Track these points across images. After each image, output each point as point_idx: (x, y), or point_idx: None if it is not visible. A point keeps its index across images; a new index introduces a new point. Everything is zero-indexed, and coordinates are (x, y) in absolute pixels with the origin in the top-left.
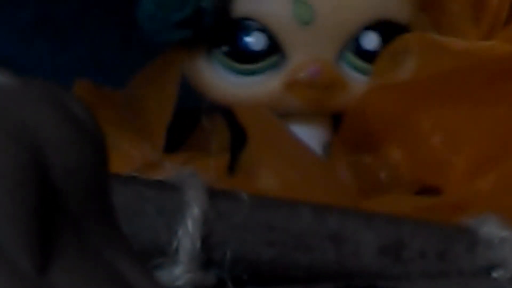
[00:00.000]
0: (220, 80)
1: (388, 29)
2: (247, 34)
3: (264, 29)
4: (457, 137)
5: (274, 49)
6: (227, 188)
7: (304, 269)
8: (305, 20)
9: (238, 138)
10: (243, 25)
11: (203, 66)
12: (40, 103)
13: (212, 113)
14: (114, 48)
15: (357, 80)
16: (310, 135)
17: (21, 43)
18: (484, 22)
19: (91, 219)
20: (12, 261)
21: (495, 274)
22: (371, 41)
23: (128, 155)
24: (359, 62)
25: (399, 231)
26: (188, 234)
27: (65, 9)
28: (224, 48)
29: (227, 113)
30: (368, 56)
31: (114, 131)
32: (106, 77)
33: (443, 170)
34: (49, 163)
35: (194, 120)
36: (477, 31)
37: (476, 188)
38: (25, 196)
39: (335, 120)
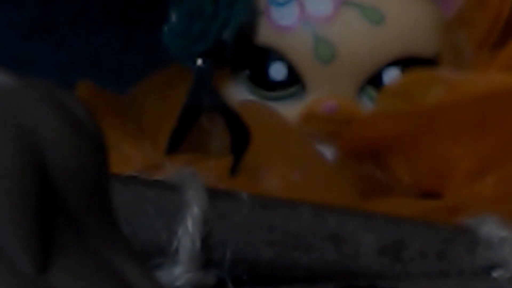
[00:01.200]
0: (243, 99)
1: (412, 64)
2: (269, 63)
3: (285, 61)
4: (457, 142)
5: (294, 80)
6: (227, 188)
7: (304, 269)
8: (326, 59)
9: (240, 139)
10: (266, 54)
11: (230, 84)
12: (40, 103)
13: (213, 114)
14: (113, 47)
15: None
16: (323, 142)
17: (21, 42)
18: (484, 22)
19: (91, 219)
20: (12, 261)
21: (495, 274)
22: (393, 77)
23: (129, 156)
24: None
25: (399, 231)
26: (188, 234)
27: (64, 8)
28: (247, 72)
29: (227, 113)
30: None
31: (114, 131)
32: (106, 76)
33: (444, 176)
34: (49, 163)
35: (194, 121)
36: (477, 30)
37: (476, 192)
38: (25, 196)
39: None
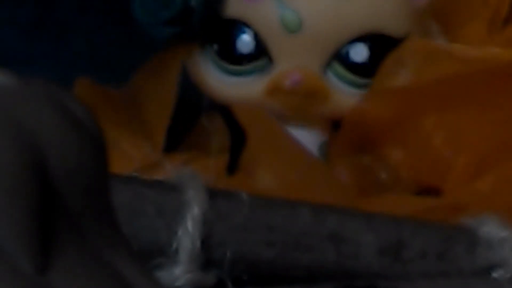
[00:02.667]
0: (211, 77)
1: (379, 42)
2: (236, 36)
3: (252, 33)
4: (456, 138)
5: (261, 53)
6: (227, 188)
7: (304, 270)
8: (292, 29)
9: (238, 138)
10: (233, 27)
11: (198, 61)
12: (40, 103)
13: (212, 113)
14: (114, 45)
15: (343, 91)
16: (306, 136)
17: (21, 41)
18: (484, 19)
19: (91, 219)
20: (12, 262)
21: (495, 274)
22: (360, 53)
23: (128, 155)
24: (347, 74)
25: (399, 231)
26: (188, 234)
27: (65, 6)
28: (215, 47)
29: (226, 112)
30: (356, 68)
31: (114, 130)
32: (106, 73)
33: (442, 171)
34: (48, 163)
35: (193, 120)
36: (477, 27)
37: (475, 189)
38: (24, 197)
39: (334, 121)
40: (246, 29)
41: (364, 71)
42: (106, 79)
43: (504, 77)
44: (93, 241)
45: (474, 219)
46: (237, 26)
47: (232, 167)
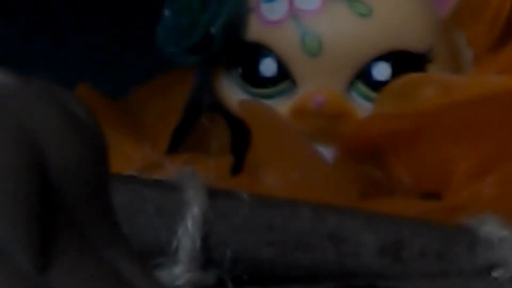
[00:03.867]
0: (237, 98)
1: (402, 59)
2: (259, 60)
3: (275, 56)
4: (457, 143)
5: (284, 76)
6: (227, 188)
7: (304, 269)
8: (313, 52)
9: (240, 139)
10: (256, 50)
11: (225, 84)
12: (40, 102)
13: (213, 113)
14: (113, 47)
15: (367, 109)
16: (323, 143)
17: (21, 42)
18: (485, 20)
19: (91, 218)
20: (12, 261)
21: (495, 274)
22: (382, 72)
23: (128, 155)
24: (370, 92)
25: (399, 231)
26: (188, 234)
27: (64, 8)
28: (240, 70)
29: (228, 113)
30: (379, 87)
31: (114, 131)
32: (106, 75)
33: (443, 174)
34: (49, 163)
35: (194, 120)
36: (478, 28)
37: (476, 192)
38: (25, 196)
39: None
40: (269, 53)
41: None
42: (105, 79)
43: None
44: (93, 240)
45: (474, 219)
46: (259, 50)
47: (237, 168)
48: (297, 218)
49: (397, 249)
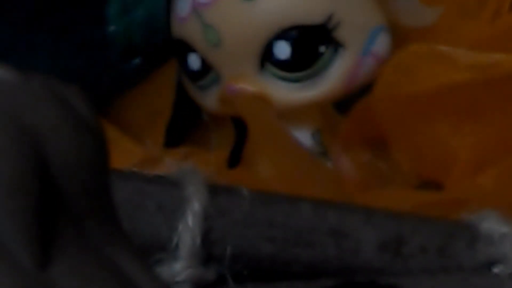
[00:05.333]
0: (194, 93)
1: (299, 34)
2: (186, 56)
3: (195, 50)
4: (459, 133)
5: (208, 68)
6: (227, 183)
7: (304, 265)
8: (214, 42)
9: (239, 132)
10: (181, 48)
11: (184, 79)
12: (41, 98)
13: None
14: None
15: (282, 88)
16: (298, 127)
17: (21, 37)
18: (488, 9)
19: (92, 215)
20: (13, 257)
21: (495, 270)
22: (283, 51)
23: (128, 150)
24: (279, 72)
25: (400, 226)
26: (188, 229)
27: (64, 2)
28: (180, 67)
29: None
30: (285, 65)
31: (114, 127)
32: (107, 68)
33: (444, 165)
34: (49, 159)
35: (194, 115)
36: (481, 15)
37: (477, 184)
38: (25, 193)
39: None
40: (190, 48)
41: (292, 66)
42: (104, 77)
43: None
44: (93, 237)
45: (474, 214)
46: (183, 46)
47: (234, 160)
48: (297, 214)
49: (398, 245)
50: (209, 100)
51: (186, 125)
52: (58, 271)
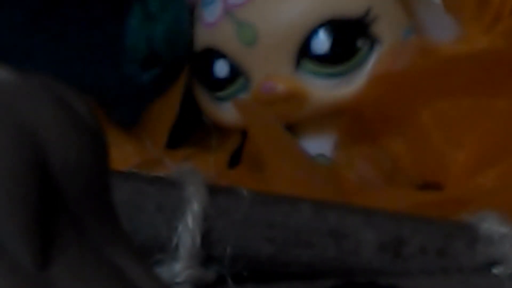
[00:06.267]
0: (208, 105)
1: (337, 28)
2: (212, 64)
3: (224, 57)
4: (458, 133)
5: (237, 73)
6: (227, 184)
7: (304, 266)
8: (249, 41)
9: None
10: (207, 56)
11: (199, 93)
12: (40, 99)
13: None
14: (112, 41)
15: (320, 85)
16: (319, 141)
17: (21, 36)
18: (486, 18)
19: (92, 215)
20: (13, 258)
21: (495, 270)
22: (321, 45)
23: (127, 151)
24: (317, 67)
25: (399, 227)
26: (188, 230)
27: (64, 2)
28: (201, 79)
29: None
30: (323, 59)
31: (114, 128)
32: (107, 70)
33: (444, 165)
34: (49, 159)
35: (195, 117)
36: (479, 24)
37: (477, 184)
38: (25, 194)
39: None
40: (219, 55)
41: (331, 60)
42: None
43: (502, 67)
44: (93, 237)
45: (474, 215)
46: (210, 54)
47: (234, 161)
48: (297, 214)
49: (397, 245)
50: (229, 112)
51: (187, 127)
52: (58, 272)
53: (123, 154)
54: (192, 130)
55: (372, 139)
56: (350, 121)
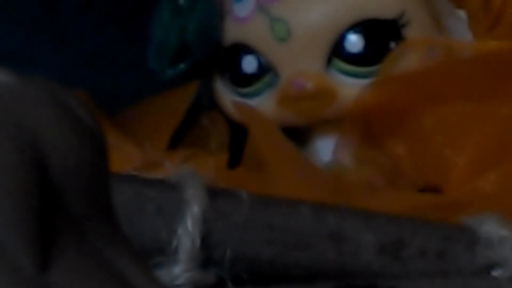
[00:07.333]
0: (229, 101)
1: (372, 28)
2: (240, 59)
3: (253, 52)
4: (459, 136)
5: (266, 69)
6: (227, 187)
7: (304, 268)
8: (282, 37)
9: (239, 134)
10: (235, 51)
11: (218, 87)
12: (40, 101)
13: (212, 111)
14: (114, 45)
15: (349, 85)
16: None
17: (22, 39)
18: (487, 19)
19: (91, 218)
20: (12, 260)
21: (494, 273)
22: (355, 44)
23: (127, 153)
24: (348, 67)
25: (399, 230)
26: (187, 233)
27: (66, 4)
28: (227, 74)
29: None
30: (355, 59)
31: (114, 131)
32: (107, 73)
33: (445, 169)
34: (49, 162)
35: (194, 118)
36: (481, 26)
37: (477, 187)
38: (25, 196)
39: None
40: (248, 50)
41: (364, 60)
42: (106, 78)
43: (504, 71)
44: (93, 239)
45: (474, 218)
46: (239, 49)
47: (233, 162)
48: (297, 217)
49: (397, 248)
50: (264, 104)
51: (185, 128)
52: (58, 273)
53: (123, 156)
54: (190, 131)
55: (373, 142)
56: (352, 124)
